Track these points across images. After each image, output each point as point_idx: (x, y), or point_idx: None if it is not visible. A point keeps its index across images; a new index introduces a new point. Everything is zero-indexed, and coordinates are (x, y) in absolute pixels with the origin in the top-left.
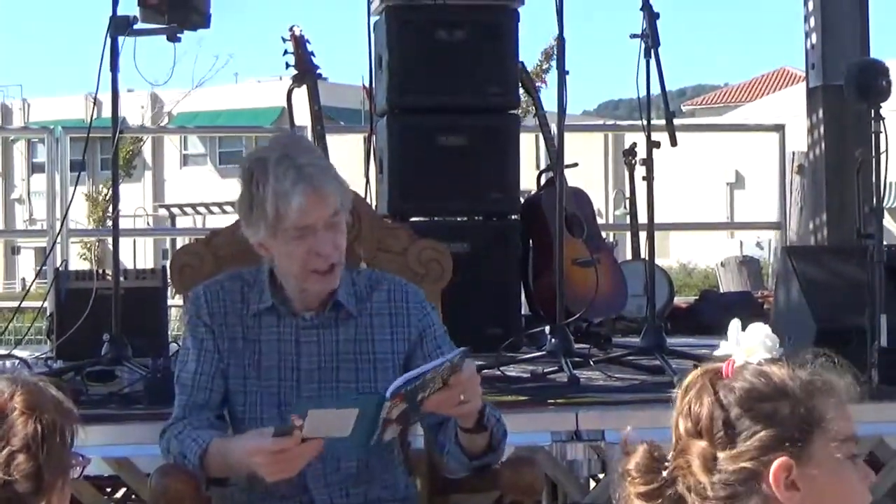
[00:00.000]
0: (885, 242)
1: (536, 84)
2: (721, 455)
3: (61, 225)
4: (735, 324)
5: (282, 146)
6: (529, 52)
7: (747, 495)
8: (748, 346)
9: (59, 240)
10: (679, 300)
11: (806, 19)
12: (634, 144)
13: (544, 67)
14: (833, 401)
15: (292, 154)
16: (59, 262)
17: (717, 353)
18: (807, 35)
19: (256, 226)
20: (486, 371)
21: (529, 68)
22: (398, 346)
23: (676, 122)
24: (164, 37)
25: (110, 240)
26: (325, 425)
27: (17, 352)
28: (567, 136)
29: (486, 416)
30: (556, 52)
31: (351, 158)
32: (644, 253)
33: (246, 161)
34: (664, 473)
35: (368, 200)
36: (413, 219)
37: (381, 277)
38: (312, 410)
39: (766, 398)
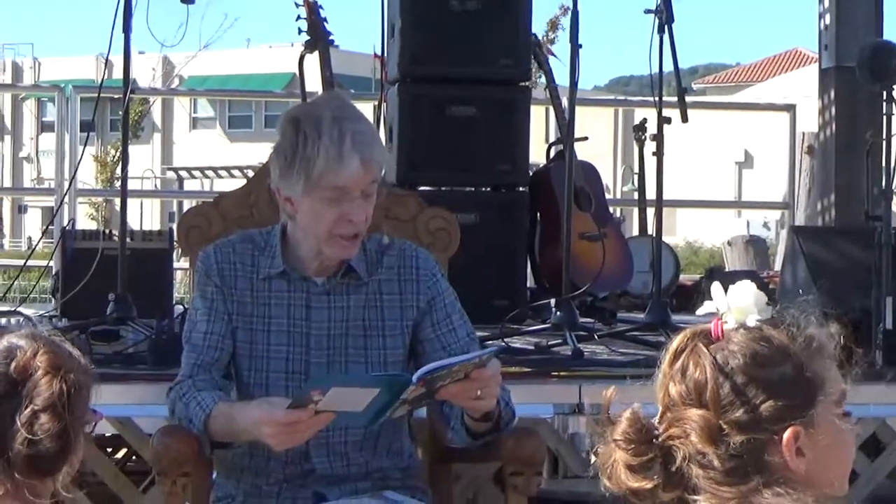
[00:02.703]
0: (892, 225)
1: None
2: (726, 424)
3: (69, 184)
4: (717, 285)
5: (335, 107)
6: (536, 21)
7: (755, 464)
8: (739, 305)
9: (66, 199)
10: (685, 277)
11: (820, 0)
12: (645, 120)
13: (550, 37)
14: (828, 361)
15: (347, 118)
16: (66, 222)
17: (700, 312)
18: (820, 16)
19: (294, 179)
20: (490, 342)
21: None
22: (407, 314)
23: (687, 99)
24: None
25: (118, 200)
26: (342, 400)
27: (21, 309)
28: (577, 110)
29: (499, 411)
30: (569, 25)
31: None
32: (651, 229)
33: (295, 112)
34: (656, 442)
35: None
36: (421, 188)
37: (391, 242)
38: (336, 388)
39: (771, 364)
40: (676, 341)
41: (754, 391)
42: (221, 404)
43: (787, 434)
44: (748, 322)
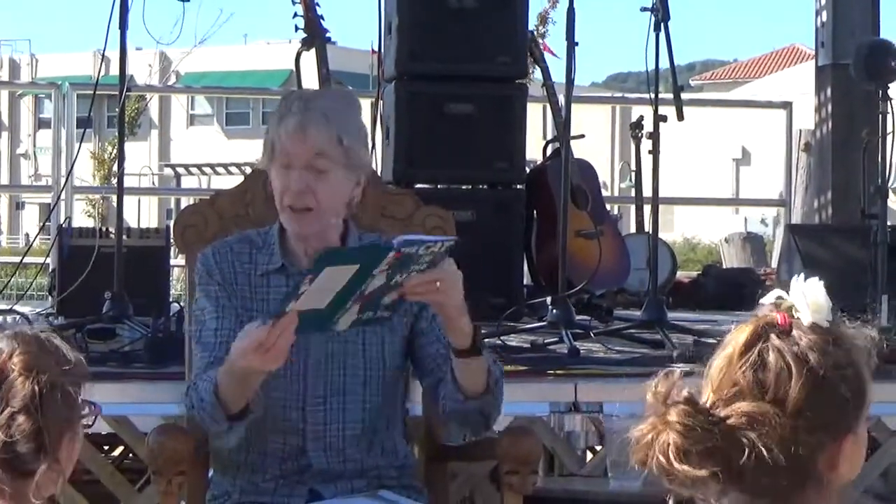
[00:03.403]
0: (888, 223)
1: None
2: (800, 423)
3: (66, 181)
4: (798, 278)
5: (319, 91)
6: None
7: (811, 468)
8: (818, 303)
9: (63, 196)
10: (682, 275)
11: None
12: (641, 118)
13: (541, 31)
14: (870, 372)
15: (316, 97)
16: (63, 219)
17: (767, 301)
18: (817, 13)
19: (263, 152)
20: (486, 340)
21: None
22: (402, 305)
23: (684, 96)
24: None
25: (115, 198)
26: (318, 295)
27: (18, 307)
28: (574, 107)
29: (480, 342)
30: (562, 20)
31: None
32: (648, 226)
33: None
34: (716, 432)
35: (373, 166)
36: (417, 186)
37: (387, 238)
38: (329, 268)
39: (843, 368)
40: (747, 331)
41: (830, 394)
42: (220, 367)
43: (846, 441)
44: (822, 322)
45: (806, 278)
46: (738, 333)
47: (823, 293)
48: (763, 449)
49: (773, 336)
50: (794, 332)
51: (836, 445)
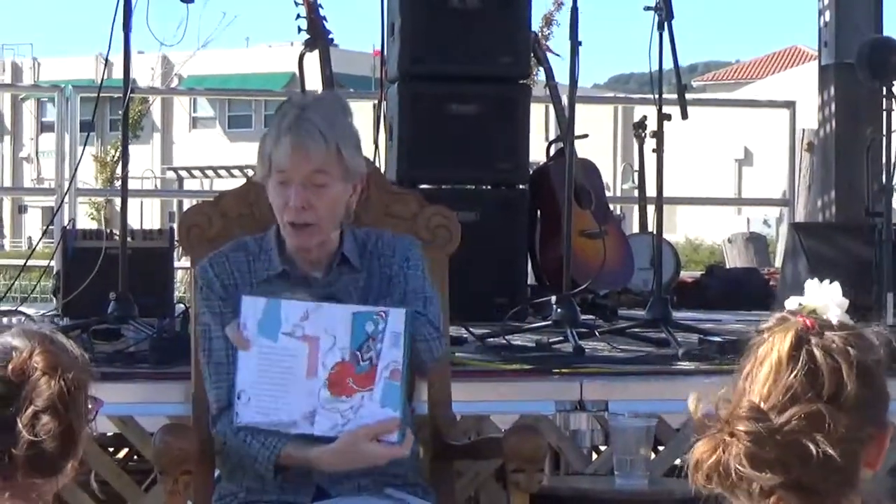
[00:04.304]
0: (893, 221)
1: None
2: (856, 421)
3: (69, 184)
4: (814, 282)
5: (311, 98)
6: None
7: (858, 463)
8: (840, 302)
9: (67, 199)
10: (685, 274)
11: None
12: (645, 117)
13: (545, 33)
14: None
15: (310, 106)
16: (66, 222)
17: (789, 307)
18: (820, 13)
19: (259, 165)
20: (491, 339)
21: None
22: (395, 297)
23: (687, 96)
24: None
25: (118, 200)
26: None
27: (23, 308)
28: (577, 107)
29: None
30: (566, 22)
31: (360, 125)
32: (651, 226)
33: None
34: (780, 439)
35: (377, 166)
36: (421, 186)
37: (371, 233)
38: None
39: (878, 366)
40: (788, 337)
41: (877, 386)
42: (289, 448)
43: (888, 434)
44: (847, 320)
45: (811, 280)
46: (776, 342)
47: (841, 293)
48: (824, 449)
49: (812, 338)
50: (827, 334)
51: (880, 439)
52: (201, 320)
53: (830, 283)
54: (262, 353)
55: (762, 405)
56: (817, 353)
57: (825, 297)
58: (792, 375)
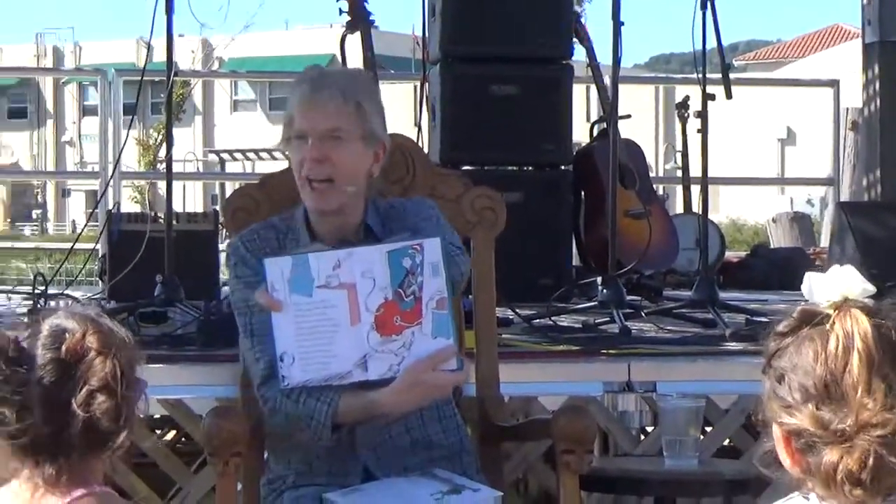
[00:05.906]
0: None
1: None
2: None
3: (114, 167)
4: (839, 269)
5: (335, 69)
6: None
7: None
8: (868, 289)
9: (111, 182)
10: (730, 254)
11: None
12: (687, 97)
13: (576, 11)
14: None
15: (328, 70)
16: (110, 205)
17: (827, 310)
18: None
19: (283, 132)
20: (537, 321)
21: None
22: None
23: (730, 76)
24: None
25: (161, 183)
26: None
27: (69, 292)
28: (619, 88)
29: None
30: (609, 2)
31: (402, 107)
32: (696, 206)
33: None
34: (860, 442)
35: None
36: (465, 167)
37: (388, 203)
38: None
39: None
40: (864, 334)
41: None
42: (346, 397)
43: None
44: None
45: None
46: (856, 344)
47: (855, 272)
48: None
49: (881, 327)
50: (872, 320)
51: None
52: (238, 296)
53: (863, 262)
54: (300, 311)
55: (872, 405)
56: (873, 348)
57: (861, 283)
58: (886, 368)
